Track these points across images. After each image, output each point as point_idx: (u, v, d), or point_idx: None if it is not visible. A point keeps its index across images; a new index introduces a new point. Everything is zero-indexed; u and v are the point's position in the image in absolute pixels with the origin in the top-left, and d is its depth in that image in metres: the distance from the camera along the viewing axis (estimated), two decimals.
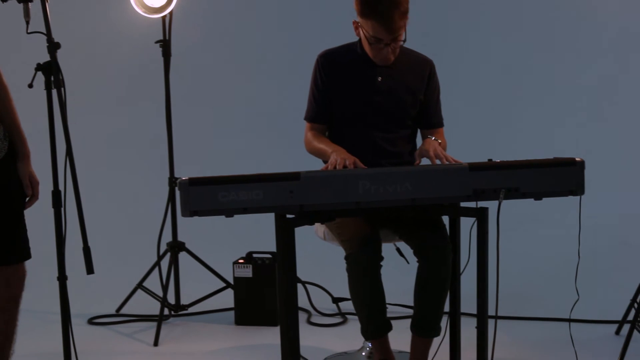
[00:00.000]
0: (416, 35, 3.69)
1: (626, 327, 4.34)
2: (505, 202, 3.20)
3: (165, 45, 4.96)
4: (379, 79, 3.83)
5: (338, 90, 3.85)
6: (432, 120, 3.96)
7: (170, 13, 4.87)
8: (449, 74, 4.24)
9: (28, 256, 3.44)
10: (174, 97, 5.02)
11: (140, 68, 6.48)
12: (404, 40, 3.71)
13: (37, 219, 3.40)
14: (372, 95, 3.83)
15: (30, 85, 3.18)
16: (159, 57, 4.97)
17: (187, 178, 3.15)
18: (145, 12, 4.82)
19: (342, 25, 4.39)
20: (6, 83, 3.36)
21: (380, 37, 3.64)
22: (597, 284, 5.05)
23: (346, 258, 3.62)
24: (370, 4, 3.60)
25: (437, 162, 3.57)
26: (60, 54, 3.13)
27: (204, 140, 6.76)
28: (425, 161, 3.65)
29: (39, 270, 3.47)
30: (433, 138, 3.79)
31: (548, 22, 6.59)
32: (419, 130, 4.00)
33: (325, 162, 3.77)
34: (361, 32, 3.73)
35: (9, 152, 3.36)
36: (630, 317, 4.34)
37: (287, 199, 3.16)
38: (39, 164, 3.48)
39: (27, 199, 3.43)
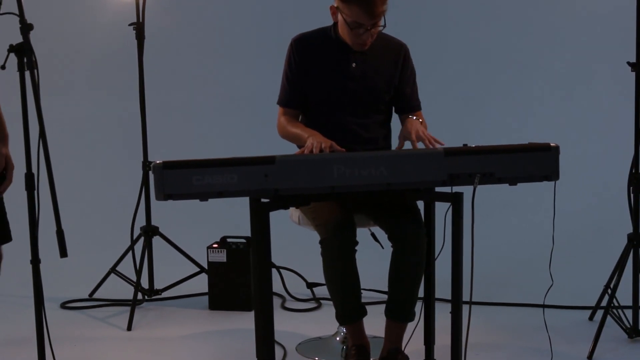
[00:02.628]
0: (391, 21, 3.68)
1: (600, 313, 4.36)
2: (480, 188, 3.20)
3: (138, 28, 4.93)
4: (353, 64, 3.82)
5: (311, 75, 3.84)
6: (410, 104, 3.95)
7: None
8: (423, 59, 4.23)
9: (7, 239, 3.41)
10: (147, 80, 4.99)
11: (113, 50, 6.43)
12: (384, 26, 3.70)
13: (10, 202, 3.36)
14: (346, 81, 3.82)
15: (3, 67, 3.14)
16: (132, 39, 4.94)
17: (161, 161, 3.13)
18: None
19: (316, 8, 4.38)
20: None
21: (362, 22, 3.63)
22: (571, 269, 5.07)
23: (321, 242, 3.61)
24: None
25: (420, 145, 3.57)
26: (33, 35, 3.09)
27: (177, 124, 6.72)
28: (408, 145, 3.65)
29: (12, 253, 3.44)
30: (414, 117, 3.78)
31: (522, 7, 6.59)
32: (393, 115, 4.00)
33: (300, 146, 3.76)
34: (340, 17, 3.71)
35: None
36: (604, 303, 4.36)
37: (262, 183, 3.15)
38: (12, 147, 3.44)
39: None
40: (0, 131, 3.37)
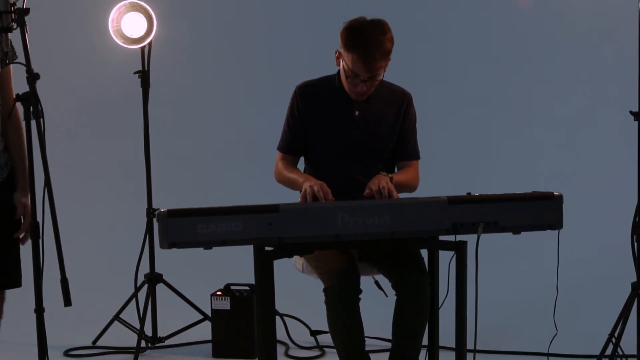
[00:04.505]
0: (394, 66, 3.70)
1: None
2: (483, 235, 3.20)
3: (144, 76, 4.96)
4: (356, 113, 3.84)
5: (315, 122, 3.86)
6: (407, 152, 3.96)
7: (149, 44, 4.88)
8: (426, 106, 4.26)
9: (18, 284, 3.43)
10: (152, 127, 5.01)
11: (118, 98, 6.46)
12: (381, 80, 3.73)
13: None
14: (349, 130, 3.84)
15: (9, 116, 3.17)
16: (137, 87, 4.97)
17: (165, 210, 3.14)
18: (124, 43, 4.84)
19: (321, 56, 4.41)
20: (20, 117, 3.37)
21: (358, 73, 3.66)
22: (576, 318, 5.05)
23: (325, 291, 3.61)
24: (355, 38, 3.62)
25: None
26: (39, 84, 3.12)
27: (182, 170, 6.73)
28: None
29: (16, 301, 3.44)
30: (384, 173, 3.76)
31: (524, 54, 6.62)
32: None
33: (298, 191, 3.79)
34: (341, 62, 3.74)
35: (6, 180, 3.37)
36: (609, 351, 4.34)
37: (266, 231, 3.16)
38: None
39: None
40: (23, 180, 3.42)
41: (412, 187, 3.94)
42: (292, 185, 3.84)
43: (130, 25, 4.80)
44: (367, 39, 3.61)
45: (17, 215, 3.40)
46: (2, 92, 3.39)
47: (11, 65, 3.41)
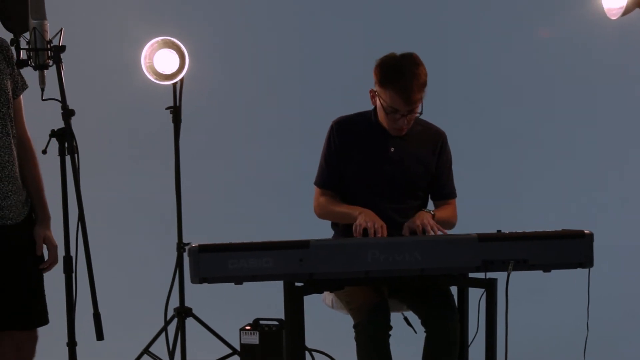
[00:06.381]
0: (428, 104, 3.72)
1: None
2: (513, 272, 3.20)
3: (175, 111, 5.00)
4: (392, 149, 3.85)
5: (350, 158, 3.88)
6: (443, 191, 3.98)
7: (181, 80, 4.92)
8: (456, 143, 4.26)
9: (45, 321, 3.45)
10: (183, 162, 5.05)
11: (150, 133, 6.52)
12: (420, 113, 3.74)
13: (47, 284, 3.40)
14: (384, 166, 3.85)
15: (44, 152, 3.21)
16: (169, 122, 5.01)
17: (197, 245, 3.16)
18: (156, 79, 4.88)
19: (356, 91, 4.41)
20: (35, 151, 3.40)
21: (397, 108, 3.67)
22: (606, 356, 5.01)
23: (355, 327, 3.61)
24: (391, 73, 3.65)
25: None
26: (73, 120, 3.16)
27: (211, 204, 6.76)
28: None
29: (48, 335, 3.46)
30: (426, 210, 3.80)
31: (553, 91, 6.63)
32: (430, 200, 4.02)
33: (343, 224, 3.83)
34: (378, 101, 3.76)
35: (27, 217, 3.39)
36: None
37: (297, 267, 3.16)
38: (52, 229, 3.50)
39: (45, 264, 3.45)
40: (43, 213, 3.44)
41: (451, 225, 3.96)
42: (343, 218, 3.86)
43: (162, 61, 4.84)
44: (403, 73, 3.63)
45: (37, 251, 3.42)
46: (16, 124, 3.41)
47: (22, 97, 3.44)
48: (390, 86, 3.66)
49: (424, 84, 3.68)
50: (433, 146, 3.92)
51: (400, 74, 3.64)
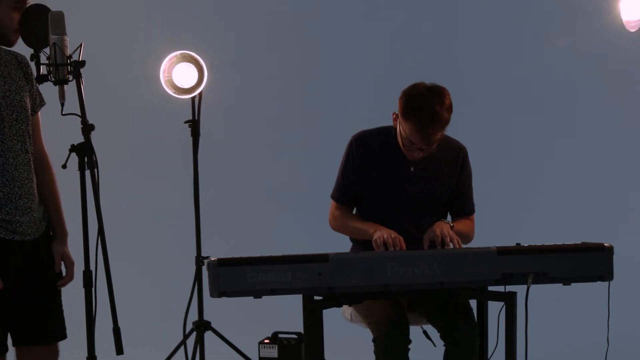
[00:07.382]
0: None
1: None
2: (533, 285, 3.19)
3: (194, 125, 5.02)
4: (412, 169, 3.82)
5: (369, 175, 3.86)
6: (465, 208, 3.97)
7: (200, 94, 4.94)
8: (476, 156, 4.25)
9: (63, 336, 3.45)
10: (201, 175, 5.06)
11: (169, 147, 6.53)
12: (435, 147, 3.72)
13: (67, 298, 3.41)
14: (404, 185, 3.83)
15: (64, 166, 3.21)
16: (188, 136, 5.02)
17: (216, 259, 3.16)
18: (175, 93, 4.90)
19: (377, 105, 4.40)
20: (52, 167, 3.41)
21: (414, 142, 3.65)
22: None
23: (374, 340, 3.60)
24: (413, 110, 3.60)
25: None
26: (93, 134, 3.17)
27: (230, 217, 6.76)
28: None
29: (68, 350, 3.46)
30: (445, 220, 3.79)
31: (573, 104, 6.61)
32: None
33: (360, 239, 3.82)
34: (398, 127, 3.73)
35: (44, 233, 3.40)
36: None
37: (316, 281, 3.17)
38: (71, 244, 3.51)
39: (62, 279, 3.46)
40: (60, 230, 3.45)
41: (469, 239, 3.95)
42: (359, 234, 3.85)
43: (181, 75, 4.86)
44: (425, 111, 3.57)
45: (56, 268, 3.43)
46: (34, 140, 3.42)
47: (39, 113, 3.46)
48: (410, 121, 3.60)
49: (446, 123, 3.63)
50: (453, 163, 3.90)
51: (422, 112, 3.58)
